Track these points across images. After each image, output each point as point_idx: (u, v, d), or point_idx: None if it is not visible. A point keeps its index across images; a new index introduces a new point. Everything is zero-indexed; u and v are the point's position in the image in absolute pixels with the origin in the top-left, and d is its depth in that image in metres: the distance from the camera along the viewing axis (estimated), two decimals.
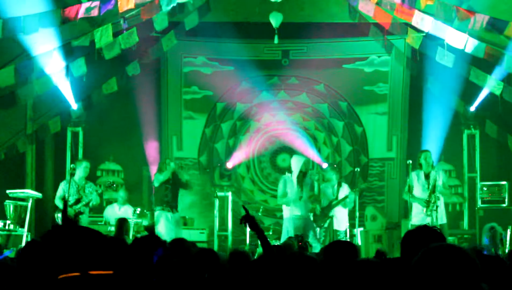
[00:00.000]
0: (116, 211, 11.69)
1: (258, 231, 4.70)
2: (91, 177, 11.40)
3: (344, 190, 11.53)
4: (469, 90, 12.68)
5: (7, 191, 11.16)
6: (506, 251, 9.87)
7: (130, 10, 10.59)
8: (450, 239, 11.52)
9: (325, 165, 13.09)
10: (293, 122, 14.21)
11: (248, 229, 12.20)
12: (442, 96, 13.04)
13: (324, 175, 12.41)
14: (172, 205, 11.02)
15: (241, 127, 14.34)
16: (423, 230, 3.43)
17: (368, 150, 14.17)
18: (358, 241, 11.75)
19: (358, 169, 12.54)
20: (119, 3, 10.08)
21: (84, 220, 10.77)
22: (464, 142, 13.54)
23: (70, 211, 10.68)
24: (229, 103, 14.29)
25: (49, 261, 2.04)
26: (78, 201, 10.80)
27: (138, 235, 11.19)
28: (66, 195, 10.61)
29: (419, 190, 10.57)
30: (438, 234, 3.38)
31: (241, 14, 13.18)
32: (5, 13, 9.94)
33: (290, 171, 10.84)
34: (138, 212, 11.53)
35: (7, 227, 10.85)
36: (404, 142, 14.01)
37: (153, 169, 12.83)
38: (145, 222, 11.86)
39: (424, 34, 11.81)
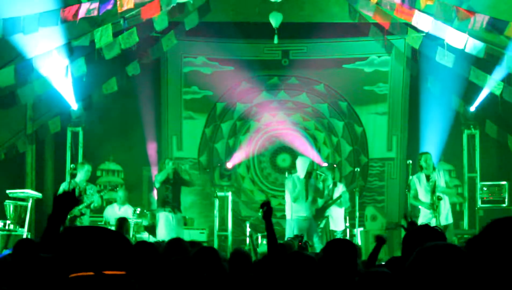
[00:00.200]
0: (116, 211, 11.69)
1: (269, 222, 4.76)
2: (91, 177, 11.40)
3: (339, 190, 11.55)
4: (469, 90, 12.68)
5: (7, 191, 11.16)
6: None
7: (130, 10, 10.58)
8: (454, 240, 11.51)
9: (324, 165, 13.09)
10: (293, 122, 14.21)
11: (248, 229, 12.22)
12: (442, 96, 13.05)
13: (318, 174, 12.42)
14: (173, 206, 11.01)
15: (241, 127, 14.34)
16: (424, 230, 3.43)
17: (368, 150, 14.18)
18: (358, 241, 11.74)
19: (358, 169, 12.55)
20: (118, 2, 10.08)
21: (85, 221, 10.77)
22: (464, 142, 13.54)
23: (73, 211, 10.70)
24: (229, 103, 14.29)
25: (62, 259, 2.04)
26: (79, 202, 10.83)
27: (138, 235, 11.23)
28: None
29: (422, 193, 10.54)
30: (439, 233, 3.38)
31: (241, 14, 13.18)
32: (5, 13, 9.94)
33: (290, 171, 10.85)
34: (138, 212, 11.54)
35: (7, 227, 10.85)
36: (404, 142, 14.01)
37: (155, 170, 12.86)
38: (145, 222, 11.87)
39: (424, 34, 11.81)
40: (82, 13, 9.98)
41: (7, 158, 12.20)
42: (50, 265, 2.79)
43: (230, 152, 14.24)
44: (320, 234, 11.12)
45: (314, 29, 13.55)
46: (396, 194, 13.79)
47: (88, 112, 13.08)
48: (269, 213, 4.81)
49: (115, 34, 11.11)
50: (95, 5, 9.99)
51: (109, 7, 10.10)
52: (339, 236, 11.34)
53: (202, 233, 12.30)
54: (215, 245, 12.10)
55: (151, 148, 13.74)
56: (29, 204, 11.08)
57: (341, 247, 4.10)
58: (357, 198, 11.73)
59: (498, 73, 11.56)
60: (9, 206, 11.06)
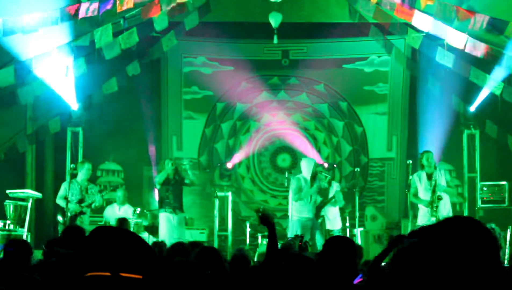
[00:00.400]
0: (116, 211, 11.70)
1: (271, 229, 4.70)
2: (91, 177, 11.41)
3: (334, 189, 11.58)
4: (469, 90, 12.67)
5: (7, 191, 11.16)
6: (506, 251, 9.87)
7: (130, 10, 10.59)
8: None
9: (325, 165, 13.10)
10: (293, 122, 14.21)
11: (248, 229, 12.23)
12: (442, 96, 13.04)
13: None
14: (174, 206, 11.02)
15: (241, 127, 14.34)
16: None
17: (368, 150, 14.18)
18: (358, 241, 11.75)
19: (358, 169, 12.55)
20: (117, 2, 10.08)
21: (86, 221, 10.79)
22: (464, 142, 13.53)
23: (75, 207, 10.72)
24: (229, 103, 14.29)
25: (82, 257, 2.04)
26: (81, 201, 10.84)
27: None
28: (69, 195, 10.64)
29: (422, 191, 10.57)
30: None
31: (241, 14, 13.18)
32: (5, 13, 9.94)
33: (290, 171, 10.86)
34: (138, 212, 11.54)
35: (7, 227, 10.85)
36: (404, 142, 14.01)
37: (155, 170, 12.88)
38: (145, 222, 11.87)
39: (424, 34, 11.81)
40: (82, 13, 9.98)
41: (7, 158, 12.19)
42: (68, 261, 2.80)
43: (230, 152, 14.24)
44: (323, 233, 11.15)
45: (314, 29, 13.55)
46: (396, 194, 13.79)
47: (88, 112, 13.07)
48: (268, 220, 4.75)
49: (115, 34, 11.11)
50: (95, 5, 9.99)
51: (109, 7, 10.10)
52: (336, 235, 11.35)
53: (202, 233, 12.30)
54: (215, 245, 12.10)
55: (151, 148, 13.74)
56: (29, 204, 11.08)
57: (340, 245, 4.11)
58: (357, 198, 11.74)
59: (498, 73, 11.56)
60: (9, 206, 11.06)
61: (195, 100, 14.28)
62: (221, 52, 13.99)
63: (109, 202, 12.19)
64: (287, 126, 14.19)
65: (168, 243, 8.84)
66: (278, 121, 14.24)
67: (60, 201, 10.91)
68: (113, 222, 10.91)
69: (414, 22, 11.05)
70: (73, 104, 12.70)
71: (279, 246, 5.06)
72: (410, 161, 10.87)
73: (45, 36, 10.56)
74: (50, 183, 13.20)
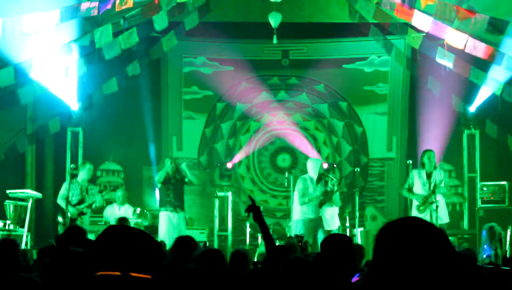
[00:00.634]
0: (116, 211, 11.70)
1: (261, 223, 4.70)
2: (91, 177, 11.41)
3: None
4: (469, 90, 12.68)
5: (7, 191, 11.16)
6: (507, 250, 9.88)
7: (130, 10, 10.59)
8: (451, 239, 11.50)
9: (325, 165, 13.09)
10: (293, 122, 14.21)
11: (248, 229, 12.23)
12: (442, 96, 13.04)
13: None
14: (175, 205, 11.02)
15: (241, 127, 14.34)
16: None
17: (368, 150, 14.17)
18: (358, 241, 11.74)
19: (358, 169, 12.54)
20: (117, 2, 10.08)
21: (86, 221, 10.79)
22: (464, 142, 13.53)
23: (74, 211, 10.71)
24: (229, 103, 14.29)
25: (93, 256, 2.04)
26: (81, 201, 10.85)
27: None
28: (70, 195, 10.64)
29: (419, 187, 10.62)
30: None
31: (241, 14, 13.18)
32: (5, 13, 9.94)
33: (290, 171, 10.85)
34: (138, 212, 11.54)
35: (7, 227, 10.85)
36: (404, 142, 14.01)
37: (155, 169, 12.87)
38: (145, 222, 11.87)
39: (424, 34, 11.81)
40: (82, 13, 9.99)
41: (7, 158, 12.19)
42: (79, 260, 2.79)
43: (230, 152, 14.25)
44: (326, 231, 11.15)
45: (314, 29, 13.55)
46: (396, 194, 13.78)
47: (88, 112, 13.07)
48: (257, 213, 4.76)
49: (115, 34, 11.11)
50: (95, 4, 9.99)
51: (109, 6, 10.10)
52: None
53: (202, 233, 12.30)
54: (215, 245, 12.10)
55: (151, 148, 13.74)
56: (29, 204, 11.08)
57: (338, 242, 4.12)
58: (357, 198, 11.73)
59: (499, 74, 11.55)
60: (9, 206, 11.06)
61: (195, 100, 14.27)
62: (221, 52, 13.99)
63: (109, 202, 12.19)
64: (287, 126, 14.19)
65: (168, 242, 8.84)
66: (278, 121, 14.23)
67: (60, 201, 10.91)
68: (113, 222, 10.91)
69: (414, 22, 11.04)
70: (73, 104, 12.70)
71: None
72: (410, 161, 10.88)
73: (45, 36, 10.56)
74: (50, 183, 13.19)
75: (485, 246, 10.06)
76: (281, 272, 3.86)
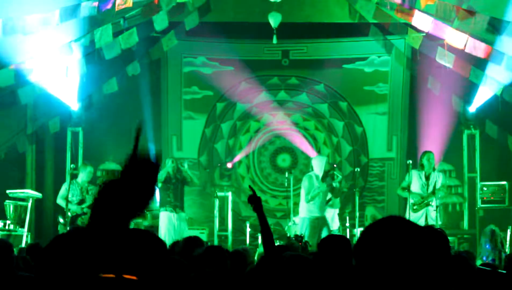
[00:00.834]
0: None
1: (260, 214, 4.61)
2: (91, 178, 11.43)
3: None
4: (469, 90, 12.67)
5: (7, 191, 11.16)
6: (507, 251, 9.86)
7: (130, 10, 10.59)
8: (451, 240, 11.51)
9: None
10: (293, 122, 14.21)
11: (248, 229, 12.23)
12: (442, 96, 13.04)
13: None
14: (175, 205, 11.02)
15: (241, 127, 14.34)
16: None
17: (368, 150, 14.17)
18: None
19: (358, 169, 12.54)
20: (117, 1, 10.08)
21: (86, 221, 10.77)
22: (464, 142, 13.53)
23: (77, 209, 10.72)
24: (229, 103, 14.29)
25: (85, 260, 2.03)
26: (81, 201, 10.85)
27: None
28: (70, 195, 10.65)
29: (416, 187, 10.63)
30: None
31: (241, 14, 13.19)
32: (5, 13, 9.94)
33: (290, 171, 10.85)
34: None
35: (7, 227, 10.85)
36: (404, 142, 14.01)
37: None
38: (145, 222, 11.86)
39: (424, 34, 11.81)
40: (82, 13, 9.99)
41: (7, 158, 12.19)
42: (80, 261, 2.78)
43: (230, 152, 14.25)
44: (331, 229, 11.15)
45: (314, 29, 13.55)
46: (396, 194, 13.77)
47: (88, 112, 13.07)
48: (257, 204, 4.65)
49: (115, 34, 11.11)
50: (95, 4, 9.99)
51: (109, 6, 10.10)
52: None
53: (202, 233, 12.29)
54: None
55: (151, 148, 13.72)
56: (29, 204, 11.08)
57: (335, 243, 4.12)
58: (357, 198, 11.73)
59: (498, 74, 11.55)
60: (9, 206, 11.06)
61: (195, 100, 14.27)
62: (221, 52, 13.99)
63: None
64: (287, 126, 14.19)
65: (168, 242, 8.83)
66: (278, 121, 14.24)
67: (60, 201, 10.91)
68: None
69: (414, 22, 11.05)
70: (73, 104, 12.69)
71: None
72: (410, 161, 10.88)
73: (45, 36, 10.56)
74: (50, 183, 13.19)
75: (487, 247, 10.05)
76: (280, 269, 3.86)
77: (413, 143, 13.56)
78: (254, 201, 4.61)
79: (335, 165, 12.70)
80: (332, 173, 10.97)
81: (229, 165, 13.95)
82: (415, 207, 10.53)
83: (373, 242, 1.75)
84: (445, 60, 11.67)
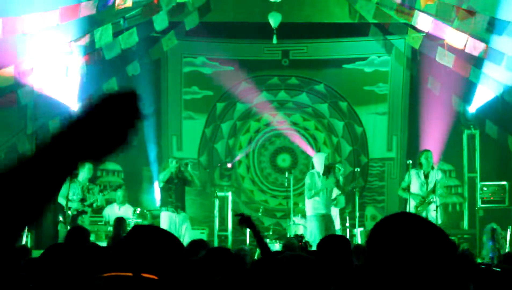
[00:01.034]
0: (116, 211, 11.69)
1: (254, 230, 4.76)
2: (91, 177, 11.43)
3: (335, 191, 11.54)
4: (469, 90, 12.68)
5: None
6: (506, 250, 9.88)
7: (130, 10, 10.60)
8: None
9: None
10: (293, 122, 14.22)
11: (248, 229, 12.22)
12: (442, 96, 13.04)
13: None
14: (176, 205, 11.02)
15: (241, 127, 14.34)
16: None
17: (368, 150, 14.18)
18: (358, 241, 11.75)
19: (358, 169, 12.54)
20: (116, 0, 10.09)
21: (86, 221, 10.80)
22: (464, 142, 13.53)
23: (79, 205, 10.73)
24: (229, 103, 14.29)
25: (106, 259, 2.03)
26: (82, 200, 10.86)
27: None
28: (70, 194, 10.65)
29: (416, 187, 10.63)
30: None
31: (241, 14, 13.19)
32: (5, 13, 9.94)
33: (290, 171, 10.85)
34: (138, 212, 11.54)
35: None
36: (404, 142, 14.01)
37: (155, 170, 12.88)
38: (145, 222, 11.85)
39: (424, 34, 11.81)
40: (82, 13, 9.99)
41: (7, 158, 12.19)
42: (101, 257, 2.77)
43: (230, 152, 14.25)
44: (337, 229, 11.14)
45: (314, 29, 13.56)
46: (396, 194, 13.77)
47: None
48: (249, 223, 4.83)
49: (115, 34, 11.11)
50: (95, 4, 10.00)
51: (109, 3, 10.10)
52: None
53: (202, 233, 12.30)
54: (215, 245, 12.10)
55: (151, 148, 13.74)
56: None
57: (335, 243, 4.13)
58: (357, 198, 11.73)
59: (499, 74, 11.55)
60: None
61: (195, 100, 14.28)
62: (221, 52, 13.99)
63: (109, 202, 12.19)
64: (287, 126, 14.20)
65: None
66: (278, 121, 14.24)
67: (61, 200, 10.92)
68: (112, 222, 10.91)
69: (414, 22, 11.05)
70: (73, 104, 12.69)
71: (279, 246, 5.07)
72: (410, 161, 10.88)
73: (45, 36, 10.56)
74: None
75: (490, 244, 10.06)
76: (280, 269, 3.85)
77: (413, 143, 13.57)
78: (245, 221, 4.77)
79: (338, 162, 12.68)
80: (333, 165, 10.95)
81: (229, 165, 13.96)
82: (418, 209, 10.52)
83: (387, 237, 1.75)
84: (445, 60, 11.67)
